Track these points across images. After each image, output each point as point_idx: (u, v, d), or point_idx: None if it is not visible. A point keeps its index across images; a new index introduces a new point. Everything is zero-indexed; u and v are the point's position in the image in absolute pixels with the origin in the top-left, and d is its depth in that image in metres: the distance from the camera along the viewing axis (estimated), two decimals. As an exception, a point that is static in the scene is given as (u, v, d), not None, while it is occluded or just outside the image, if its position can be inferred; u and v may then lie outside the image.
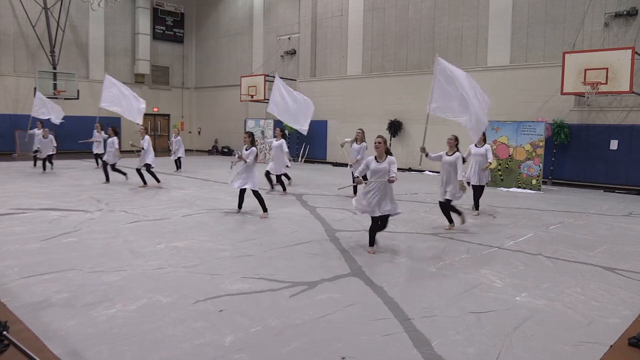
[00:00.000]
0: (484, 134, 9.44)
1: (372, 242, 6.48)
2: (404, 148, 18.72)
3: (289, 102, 11.87)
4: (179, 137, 16.61)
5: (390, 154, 6.46)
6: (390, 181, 6.15)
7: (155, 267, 5.50)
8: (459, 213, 7.96)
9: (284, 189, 11.69)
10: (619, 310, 4.55)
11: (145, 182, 12.15)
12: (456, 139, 7.99)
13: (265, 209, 8.69)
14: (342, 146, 11.75)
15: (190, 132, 28.73)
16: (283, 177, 12.01)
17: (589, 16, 14.46)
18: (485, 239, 7.37)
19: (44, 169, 15.02)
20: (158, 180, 12.21)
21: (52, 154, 14.94)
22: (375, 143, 6.41)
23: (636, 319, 4.34)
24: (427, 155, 7.86)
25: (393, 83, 19.09)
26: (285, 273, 5.40)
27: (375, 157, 6.45)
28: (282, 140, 11.78)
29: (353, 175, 11.53)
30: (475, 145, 9.48)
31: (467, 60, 17.27)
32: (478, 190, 9.50)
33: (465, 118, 7.60)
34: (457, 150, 7.97)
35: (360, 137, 11.29)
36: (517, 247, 6.86)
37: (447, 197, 7.85)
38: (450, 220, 8.02)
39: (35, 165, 16.00)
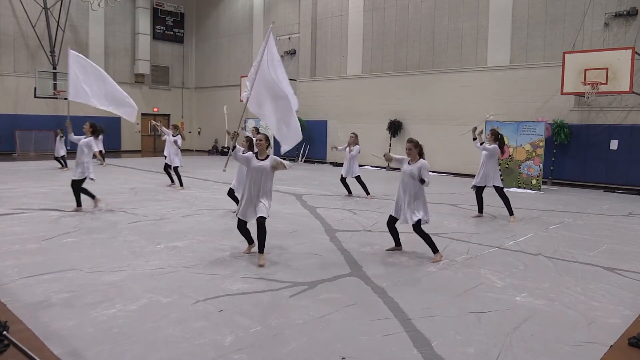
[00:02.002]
0: (495, 134, 8.81)
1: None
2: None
3: (98, 85, 9.04)
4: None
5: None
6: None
7: (155, 267, 5.50)
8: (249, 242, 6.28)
9: (94, 200, 9.04)
10: (619, 310, 4.55)
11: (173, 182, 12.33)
12: (267, 139, 6.04)
13: None
14: (332, 149, 11.74)
15: (190, 132, 28.73)
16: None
17: (589, 16, 14.45)
18: (485, 239, 7.37)
19: None
20: (176, 182, 12.27)
21: None
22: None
23: (636, 319, 4.34)
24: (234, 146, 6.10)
25: (393, 83, 19.09)
26: (285, 273, 5.40)
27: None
28: (90, 138, 8.90)
29: (343, 178, 11.46)
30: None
31: (467, 60, 17.28)
32: (479, 192, 8.98)
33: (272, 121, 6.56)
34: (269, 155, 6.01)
35: (353, 141, 11.28)
36: (517, 247, 6.86)
37: (261, 215, 5.80)
38: (249, 242, 6.26)
39: None
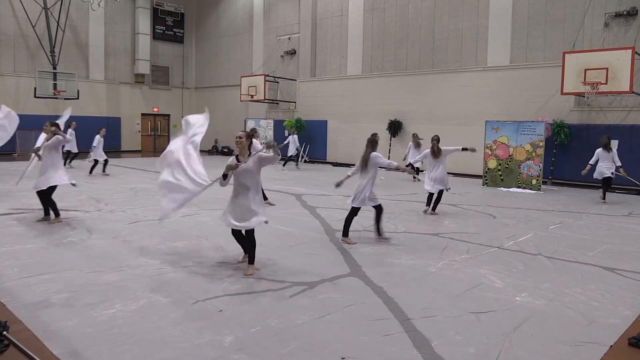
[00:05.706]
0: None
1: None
2: (404, 148, 18.69)
3: None
4: None
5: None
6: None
7: (155, 267, 5.50)
8: None
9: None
10: (619, 310, 4.54)
11: None
12: (247, 136, 5.50)
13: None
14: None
15: (190, 132, 28.66)
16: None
17: (589, 16, 14.45)
18: (485, 239, 7.36)
19: None
20: None
21: None
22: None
23: (636, 319, 4.34)
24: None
25: (393, 83, 19.09)
26: (285, 273, 5.40)
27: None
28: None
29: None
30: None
31: (467, 60, 17.28)
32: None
33: None
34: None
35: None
36: (517, 247, 6.86)
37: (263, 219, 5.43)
38: None
39: None
